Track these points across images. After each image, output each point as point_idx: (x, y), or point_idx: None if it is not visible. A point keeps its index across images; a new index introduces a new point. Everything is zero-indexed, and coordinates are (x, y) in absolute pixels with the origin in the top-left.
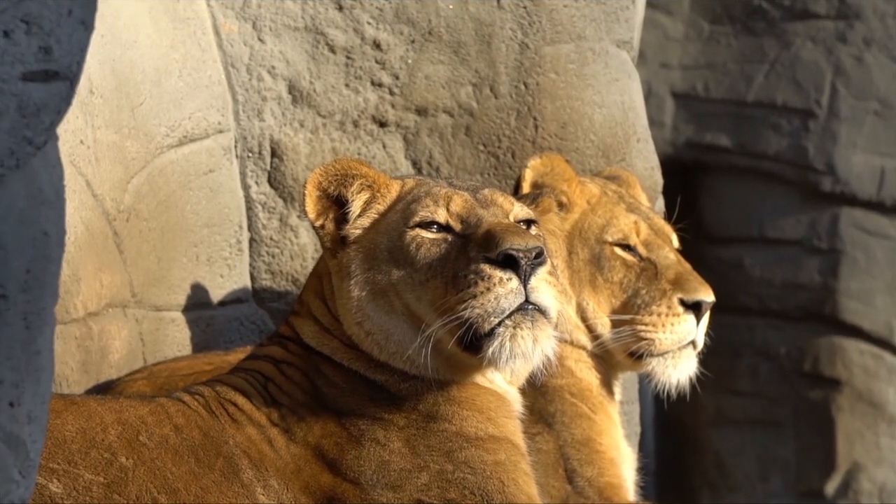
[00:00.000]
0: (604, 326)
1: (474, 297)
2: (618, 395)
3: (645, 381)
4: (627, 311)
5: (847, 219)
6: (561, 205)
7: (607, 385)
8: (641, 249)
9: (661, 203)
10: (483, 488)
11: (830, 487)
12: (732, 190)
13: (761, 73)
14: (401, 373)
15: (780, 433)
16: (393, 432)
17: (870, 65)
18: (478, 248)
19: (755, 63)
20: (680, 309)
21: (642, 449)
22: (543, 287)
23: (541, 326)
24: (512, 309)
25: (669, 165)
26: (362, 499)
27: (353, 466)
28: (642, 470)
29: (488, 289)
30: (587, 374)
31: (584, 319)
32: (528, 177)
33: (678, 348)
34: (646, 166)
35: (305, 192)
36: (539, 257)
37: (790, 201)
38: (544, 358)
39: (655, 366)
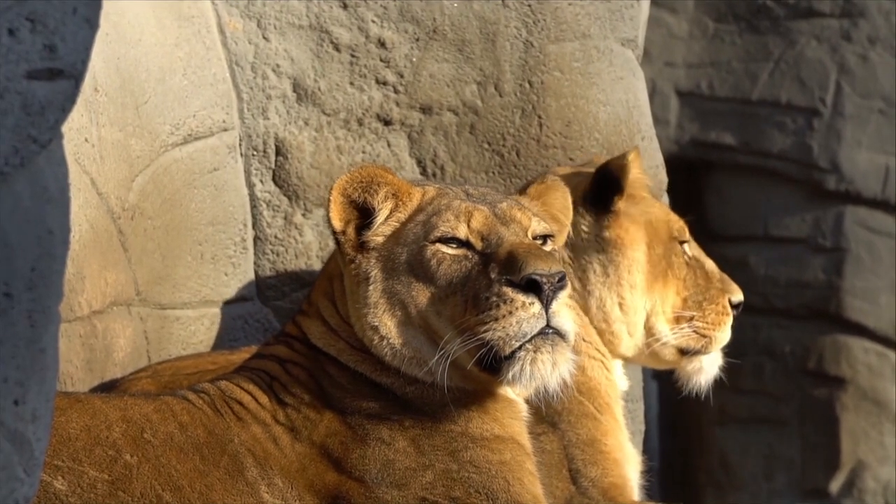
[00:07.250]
0: (662, 324)
1: (496, 319)
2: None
3: (651, 378)
4: (687, 309)
5: (852, 217)
6: (631, 196)
7: (615, 386)
8: (688, 247)
9: (665, 201)
10: (488, 487)
11: (835, 486)
12: (737, 188)
13: (766, 72)
14: (407, 376)
15: (784, 432)
16: (398, 432)
17: (874, 63)
18: (500, 270)
19: (760, 61)
20: (730, 308)
21: (646, 447)
22: (564, 311)
23: (560, 350)
24: (533, 333)
25: (674, 164)
26: (367, 497)
27: (357, 465)
28: (647, 472)
29: (510, 312)
30: (598, 373)
31: (648, 317)
32: (632, 168)
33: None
34: (650, 164)
35: (331, 198)
36: (561, 281)
37: (795, 199)
38: (561, 382)
39: (704, 364)
